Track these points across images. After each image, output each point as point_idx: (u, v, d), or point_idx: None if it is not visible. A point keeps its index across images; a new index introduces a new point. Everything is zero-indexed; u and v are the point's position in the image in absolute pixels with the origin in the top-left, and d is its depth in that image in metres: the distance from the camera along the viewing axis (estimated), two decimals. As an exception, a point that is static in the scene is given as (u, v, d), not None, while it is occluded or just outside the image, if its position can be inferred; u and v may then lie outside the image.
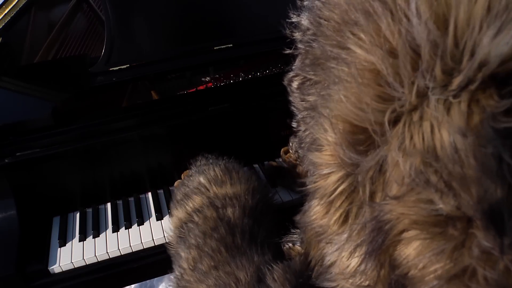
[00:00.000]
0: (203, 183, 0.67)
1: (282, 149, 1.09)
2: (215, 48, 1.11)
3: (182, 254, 0.59)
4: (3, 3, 1.04)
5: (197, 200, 0.65)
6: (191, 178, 0.70)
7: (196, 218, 0.62)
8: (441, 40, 0.22)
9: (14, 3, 1.04)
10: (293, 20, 0.37)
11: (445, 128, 0.22)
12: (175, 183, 1.02)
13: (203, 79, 1.19)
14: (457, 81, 0.22)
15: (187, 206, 0.65)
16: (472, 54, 0.21)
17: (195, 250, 0.57)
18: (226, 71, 1.20)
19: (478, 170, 0.21)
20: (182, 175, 0.99)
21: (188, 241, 0.59)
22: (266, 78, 1.15)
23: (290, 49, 0.39)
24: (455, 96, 0.22)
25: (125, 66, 1.06)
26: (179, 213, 0.66)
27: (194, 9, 1.10)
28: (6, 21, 1.05)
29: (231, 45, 1.11)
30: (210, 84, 1.18)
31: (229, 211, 0.61)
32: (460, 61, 0.22)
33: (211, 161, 0.77)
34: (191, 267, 0.56)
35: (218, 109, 1.03)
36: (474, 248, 0.22)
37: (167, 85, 1.20)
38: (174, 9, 1.09)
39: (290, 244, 0.54)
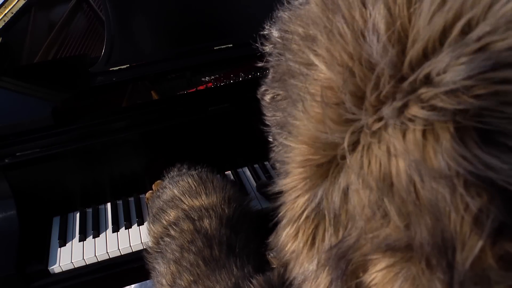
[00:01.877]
0: (177, 196, 0.66)
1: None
2: (215, 48, 1.11)
3: (161, 269, 0.58)
4: (3, 3, 1.04)
5: (172, 214, 0.64)
6: (165, 191, 0.69)
7: (172, 232, 0.61)
8: (398, 62, 0.21)
9: (14, 3, 1.04)
10: (265, 32, 0.36)
11: (401, 156, 0.21)
12: (147, 194, 1.02)
13: (203, 79, 1.19)
14: (412, 107, 0.21)
15: (162, 220, 0.64)
16: (428, 81, 0.20)
17: (174, 265, 0.56)
18: (226, 71, 1.20)
19: (432, 201, 0.20)
20: (154, 185, 0.99)
21: (166, 256, 0.58)
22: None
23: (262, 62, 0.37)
24: (410, 121, 0.21)
25: (125, 66, 1.06)
26: (155, 227, 0.65)
27: (194, 9, 1.10)
28: (6, 21, 1.05)
29: (231, 45, 1.11)
30: (210, 84, 1.18)
31: (206, 222, 0.60)
32: (415, 87, 0.21)
33: (184, 171, 0.76)
34: (169, 283, 0.55)
35: (218, 109, 1.03)
36: (432, 280, 0.22)
37: (167, 85, 1.20)
38: (174, 9, 1.09)
39: (275, 253, 0.54)
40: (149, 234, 0.68)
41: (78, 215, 1.03)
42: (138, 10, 1.08)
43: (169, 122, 1.01)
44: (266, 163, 1.15)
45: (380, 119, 0.22)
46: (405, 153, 0.21)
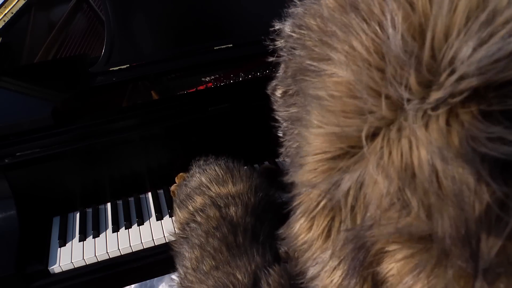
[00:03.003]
0: (204, 183, 0.67)
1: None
2: (215, 48, 1.11)
3: (186, 254, 0.59)
4: (3, 3, 1.04)
5: (199, 200, 0.65)
6: (193, 178, 0.70)
7: (198, 218, 0.62)
8: (418, 52, 0.22)
9: (14, 3, 1.04)
10: (276, 27, 0.36)
11: (423, 146, 0.21)
12: (172, 187, 1.02)
13: (203, 79, 1.19)
14: (435, 94, 0.21)
15: (189, 206, 0.65)
16: (450, 67, 0.20)
17: (198, 249, 0.57)
18: (226, 71, 1.20)
19: (456, 190, 0.20)
20: (177, 178, 1.00)
21: (191, 241, 0.59)
22: (266, 78, 1.15)
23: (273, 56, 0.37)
24: (433, 110, 0.21)
25: (125, 66, 1.06)
26: (182, 213, 0.66)
27: (194, 9, 1.10)
28: (6, 21, 1.05)
29: (231, 45, 1.11)
30: (210, 84, 1.18)
31: (232, 210, 0.61)
32: (437, 74, 0.21)
33: (211, 160, 0.77)
34: (193, 267, 0.56)
35: (218, 109, 1.03)
36: (449, 269, 0.22)
37: (167, 85, 1.20)
38: (174, 9, 1.09)
39: (286, 248, 0.54)
40: (175, 220, 0.69)
41: (78, 215, 1.03)
42: (138, 10, 1.08)
43: (169, 122, 1.01)
44: (266, 162, 1.15)
45: (400, 109, 0.22)
46: (427, 142, 0.21)
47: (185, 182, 0.73)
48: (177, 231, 0.67)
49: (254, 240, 0.58)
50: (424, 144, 0.21)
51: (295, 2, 0.34)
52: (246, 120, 1.08)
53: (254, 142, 1.12)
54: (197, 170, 0.73)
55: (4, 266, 0.87)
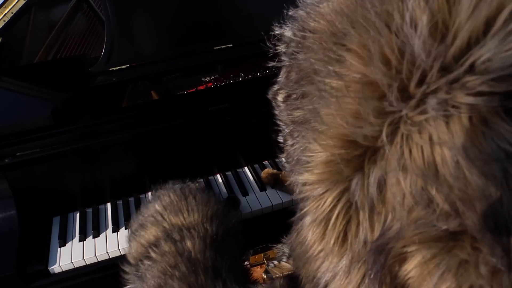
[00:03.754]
0: (158, 211, 0.62)
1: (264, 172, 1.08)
2: (215, 48, 1.11)
3: None
4: (3, 3, 1.04)
5: (152, 231, 0.60)
6: (147, 206, 0.65)
7: (153, 254, 0.57)
8: (440, 53, 0.22)
9: (14, 3, 1.04)
10: (276, 32, 0.36)
11: (445, 144, 0.21)
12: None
13: (203, 79, 1.19)
14: (458, 95, 0.21)
15: (141, 239, 0.60)
16: (473, 69, 0.21)
17: None
18: (226, 71, 1.20)
19: (483, 186, 0.20)
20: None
21: (146, 283, 0.54)
22: (266, 78, 1.15)
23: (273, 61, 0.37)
24: (456, 111, 0.21)
25: (125, 66, 1.06)
26: (134, 246, 0.61)
27: (194, 9, 1.10)
28: (6, 21, 1.05)
29: (231, 45, 1.11)
30: (210, 84, 1.18)
31: (188, 244, 0.56)
32: (460, 75, 0.21)
33: (169, 185, 0.71)
34: None
35: (218, 109, 1.03)
36: (480, 266, 0.22)
37: (167, 85, 1.20)
38: (174, 9, 1.09)
39: (276, 262, 0.52)
40: (127, 254, 0.63)
41: (78, 215, 1.03)
42: (138, 10, 1.08)
43: (169, 122, 1.01)
44: (266, 162, 1.15)
45: (421, 109, 0.23)
46: (450, 141, 0.21)
47: (140, 210, 0.67)
48: (130, 267, 0.61)
49: (217, 276, 0.53)
50: (446, 142, 0.21)
51: (296, 4, 0.33)
52: (246, 120, 1.08)
53: (254, 142, 1.12)
54: (152, 197, 0.68)
55: (4, 266, 0.87)
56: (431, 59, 0.22)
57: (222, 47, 1.11)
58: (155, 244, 0.58)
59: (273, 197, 1.04)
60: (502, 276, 0.21)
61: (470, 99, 0.21)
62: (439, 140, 0.22)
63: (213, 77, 1.20)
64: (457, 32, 0.21)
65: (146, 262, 0.57)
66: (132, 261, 0.61)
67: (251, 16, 1.12)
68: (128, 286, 0.61)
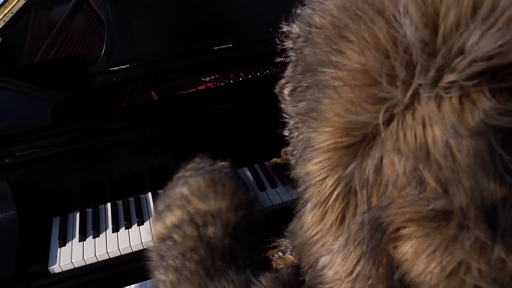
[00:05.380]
0: (185, 195, 0.64)
1: (283, 149, 1.09)
2: (215, 48, 1.11)
3: (160, 276, 0.57)
4: (3, 3, 1.04)
5: (177, 214, 0.62)
6: (174, 188, 0.67)
7: (175, 236, 0.59)
8: (431, 39, 0.23)
9: (14, 3, 1.04)
10: (284, 29, 0.38)
11: (436, 124, 0.23)
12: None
13: (203, 79, 1.19)
14: (447, 77, 0.23)
15: (166, 220, 0.62)
16: (461, 52, 0.22)
17: (174, 273, 0.55)
18: (226, 71, 1.20)
19: (470, 163, 0.21)
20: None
21: (166, 262, 0.57)
22: (266, 78, 1.15)
23: (281, 57, 0.39)
24: (446, 92, 0.23)
25: (125, 66, 1.06)
26: (159, 227, 0.63)
27: (194, 9, 1.10)
28: (6, 21, 1.05)
29: (231, 45, 1.11)
30: (210, 84, 1.18)
31: (210, 230, 0.58)
32: (449, 59, 0.23)
33: (200, 165, 0.72)
34: None
35: (218, 109, 1.03)
36: (466, 241, 0.23)
37: (167, 85, 1.20)
38: (174, 9, 1.09)
39: (280, 254, 0.53)
40: (153, 232, 0.66)
41: (78, 215, 1.03)
42: (138, 10, 1.08)
43: (169, 122, 1.01)
44: (266, 163, 1.15)
45: (414, 93, 0.24)
46: (440, 121, 0.22)
47: (166, 191, 0.69)
48: (154, 246, 0.63)
49: (232, 263, 0.55)
50: (437, 122, 0.23)
51: (302, 2, 0.35)
52: (246, 120, 1.08)
53: (254, 142, 1.12)
54: (179, 180, 0.69)
55: (4, 266, 0.87)
56: (422, 44, 0.23)
57: (222, 47, 1.11)
58: (178, 226, 0.60)
59: (273, 198, 1.04)
60: (489, 252, 0.22)
61: (459, 81, 0.22)
62: (430, 121, 0.23)
63: (213, 77, 1.20)
64: (446, 17, 0.23)
65: (168, 242, 0.59)
66: (155, 240, 0.64)
67: (251, 16, 1.12)
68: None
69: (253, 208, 0.67)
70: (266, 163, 1.15)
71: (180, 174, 0.72)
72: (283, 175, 1.06)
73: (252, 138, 1.11)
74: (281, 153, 1.10)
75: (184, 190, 0.65)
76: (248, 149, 1.12)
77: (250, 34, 1.11)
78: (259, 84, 1.10)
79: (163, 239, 0.61)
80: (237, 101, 1.04)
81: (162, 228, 0.63)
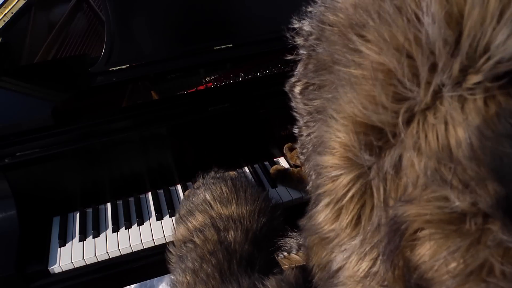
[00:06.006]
0: (208, 200, 0.65)
1: (285, 145, 1.09)
2: (215, 48, 1.11)
3: (178, 277, 0.58)
4: (3, 3, 1.04)
5: (199, 218, 0.63)
6: (197, 193, 0.68)
7: (196, 239, 0.61)
8: (455, 39, 0.23)
9: (14, 3, 1.04)
10: (295, 26, 0.37)
11: (460, 126, 0.22)
12: (186, 193, 1.01)
13: (203, 79, 1.19)
14: (472, 78, 0.22)
15: (189, 224, 0.64)
16: (486, 52, 0.22)
17: (191, 275, 0.56)
18: (226, 71, 1.20)
19: (496, 165, 0.21)
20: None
21: (185, 263, 0.58)
22: (266, 78, 1.15)
23: (291, 54, 0.38)
24: (470, 93, 0.22)
25: (125, 66, 1.06)
26: (181, 229, 0.65)
27: (194, 9, 1.10)
28: (6, 21, 1.05)
29: (231, 45, 1.11)
30: (210, 84, 1.18)
31: (231, 234, 0.60)
32: (474, 59, 0.22)
33: (219, 175, 0.74)
34: None
35: (218, 109, 1.03)
36: (490, 243, 0.22)
37: (167, 85, 1.20)
38: (174, 9, 1.09)
39: (285, 253, 0.53)
40: (173, 235, 0.68)
41: (78, 215, 1.03)
42: (138, 10, 1.08)
43: (169, 122, 1.01)
44: (266, 163, 1.15)
45: (436, 93, 0.24)
46: (464, 122, 0.22)
47: (189, 196, 0.71)
48: (175, 248, 0.66)
49: (249, 268, 0.56)
50: (461, 123, 0.22)
51: (309, 2, 0.35)
52: (246, 120, 1.08)
53: (254, 142, 1.12)
54: (202, 186, 0.71)
55: (4, 266, 0.87)
56: (445, 44, 0.23)
57: (222, 47, 1.11)
58: (200, 230, 0.62)
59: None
60: None
61: (484, 82, 0.22)
62: (453, 122, 0.23)
63: (213, 77, 1.20)
64: (471, 16, 0.22)
65: (189, 245, 0.61)
66: (176, 242, 0.65)
67: (252, 16, 1.12)
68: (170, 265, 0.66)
69: (274, 215, 0.68)
70: (266, 163, 1.15)
71: (200, 183, 0.73)
72: (285, 182, 1.06)
73: (252, 138, 1.11)
74: (284, 150, 1.11)
75: (207, 195, 0.66)
76: (248, 149, 1.12)
77: (250, 34, 1.11)
78: (259, 84, 1.10)
79: (184, 242, 0.62)
80: (237, 101, 1.04)
81: (183, 232, 0.64)
